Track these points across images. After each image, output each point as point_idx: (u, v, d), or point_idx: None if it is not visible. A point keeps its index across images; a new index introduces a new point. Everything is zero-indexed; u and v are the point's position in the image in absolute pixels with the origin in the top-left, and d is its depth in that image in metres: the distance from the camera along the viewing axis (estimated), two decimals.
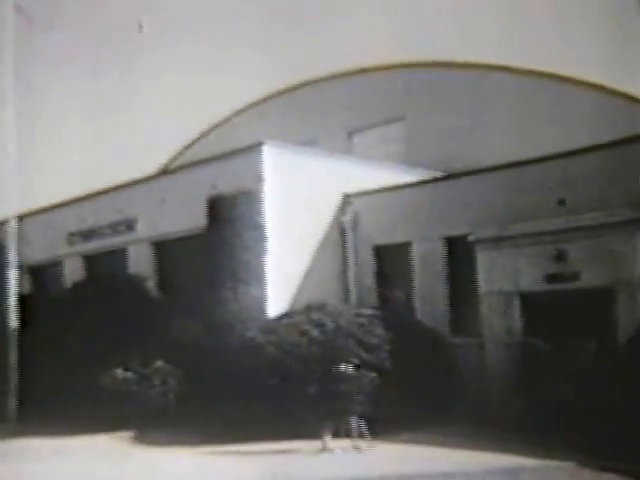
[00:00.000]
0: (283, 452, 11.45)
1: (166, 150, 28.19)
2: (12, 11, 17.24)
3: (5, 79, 17.53)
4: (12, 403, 16.59)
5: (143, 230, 17.72)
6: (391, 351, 12.18)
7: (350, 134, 22.06)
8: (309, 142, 20.73)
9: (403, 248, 15.27)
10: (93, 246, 19.00)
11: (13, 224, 17.94)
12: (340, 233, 15.94)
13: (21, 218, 18.45)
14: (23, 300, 17.80)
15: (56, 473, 11.47)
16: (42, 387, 15.76)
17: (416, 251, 15.13)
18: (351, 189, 15.98)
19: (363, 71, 21.99)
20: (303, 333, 12.41)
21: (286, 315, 13.40)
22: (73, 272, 19.33)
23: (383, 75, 21.47)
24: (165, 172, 23.29)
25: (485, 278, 13.04)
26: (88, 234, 19.11)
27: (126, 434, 13.66)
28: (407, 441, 11.45)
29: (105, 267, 18.74)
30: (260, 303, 14.27)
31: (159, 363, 14.44)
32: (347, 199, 15.97)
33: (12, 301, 17.37)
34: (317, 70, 23.42)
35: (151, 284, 17.24)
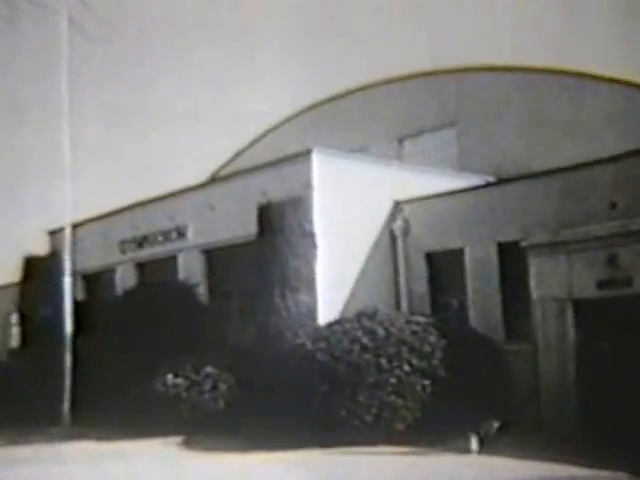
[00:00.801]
0: (335, 459, 11.36)
1: (216, 158, 28.44)
2: (66, 24, 17.55)
3: (60, 91, 17.91)
4: (66, 406, 16.88)
5: (194, 237, 17.87)
6: (444, 358, 12.02)
7: (401, 140, 21.89)
8: (360, 149, 20.70)
9: (455, 254, 15.09)
10: (145, 253, 19.23)
11: (67, 232, 18.29)
12: (391, 240, 15.83)
13: (75, 227, 18.78)
14: (77, 306, 18.14)
15: (108, 477, 11.58)
16: (95, 391, 16.00)
17: (469, 257, 14.93)
18: (402, 196, 15.82)
19: (413, 77, 21.84)
20: (354, 340, 12.31)
21: (337, 322, 13.29)
22: (125, 279, 19.60)
23: (434, 81, 21.31)
24: (215, 180, 23.50)
25: (538, 284, 12.76)
26: (140, 242, 19.35)
27: (177, 439, 13.70)
28: (458, 450, 11.23)
29: (156, 274, 18.96)
30: (310, 310, 14.24)
31: (209, 369, 14.49)
32: (398, 206, 15.84)
33: (67, 307, 17.68)
34: (367, 76, 23.35)
35: (201, 291, 17.39)
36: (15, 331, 23.16)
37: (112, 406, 15.10)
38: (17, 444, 15.09)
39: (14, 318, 23.84)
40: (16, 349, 22.52)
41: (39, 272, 19.78)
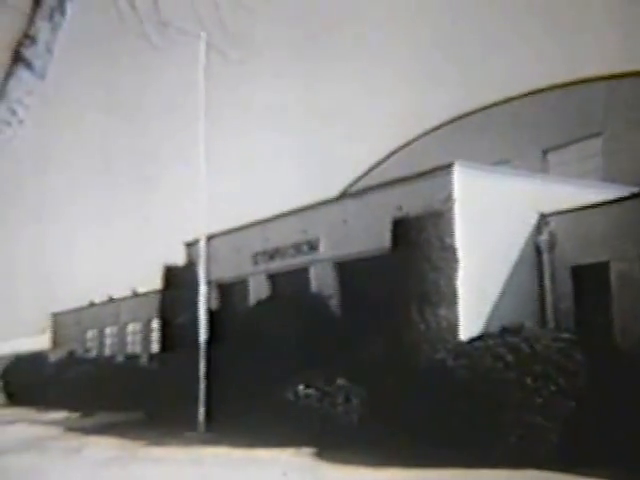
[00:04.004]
0: None
1: (352, 171, 28.55)
2: (204, 47, 18.13)
3: (197, 113, 18.54)
4: (201, 412, 17.24)
5: (326, 250, 17.90)
6: (590, 378, 11.33)
7: (545, 152, 21.25)
8: (502, 162, 20.33)
9: (601, 268, 14.35)
10: (277, 265, 19.45)
11: (202, 244, 18.81)
12: (536, 253, 15.24)
13: (210, 238, 19.29)
14: (212, 315, 18.58)
15: None
16: (229, 398, 16.26)
17: (614, 271, 14.16)
18: (547, 208, 15.24)
19: (557, 87, 21.21)
20: (497, 357, 11.82)
21: (479, 338, 12.86)
22: (257, 290, 19.90)
23: (578, 90, 20.61)
24: (348, 194, 23.57)
25: None
26: (272, 254, 19.60)
27: (309, 450, 13.62)
28: (603, 475, 10.36)
29: (288, 286, 19.12)
30: (451, 325, 13.80)
31: (342, 381, 14.36)
32: (543, 219, 15.24)
33: (202, 315, 18.14)
34: (511, 88, 22.80)
35: (334, 303, 17.35)
36: (156, 336, 24.11)
37: (244, 413, 15.27)
38: (156, 445, 15.58)
39: (155, 324, 24.87)
40: (156, 354, 23.43)
41: (178, 281, 20.40)
